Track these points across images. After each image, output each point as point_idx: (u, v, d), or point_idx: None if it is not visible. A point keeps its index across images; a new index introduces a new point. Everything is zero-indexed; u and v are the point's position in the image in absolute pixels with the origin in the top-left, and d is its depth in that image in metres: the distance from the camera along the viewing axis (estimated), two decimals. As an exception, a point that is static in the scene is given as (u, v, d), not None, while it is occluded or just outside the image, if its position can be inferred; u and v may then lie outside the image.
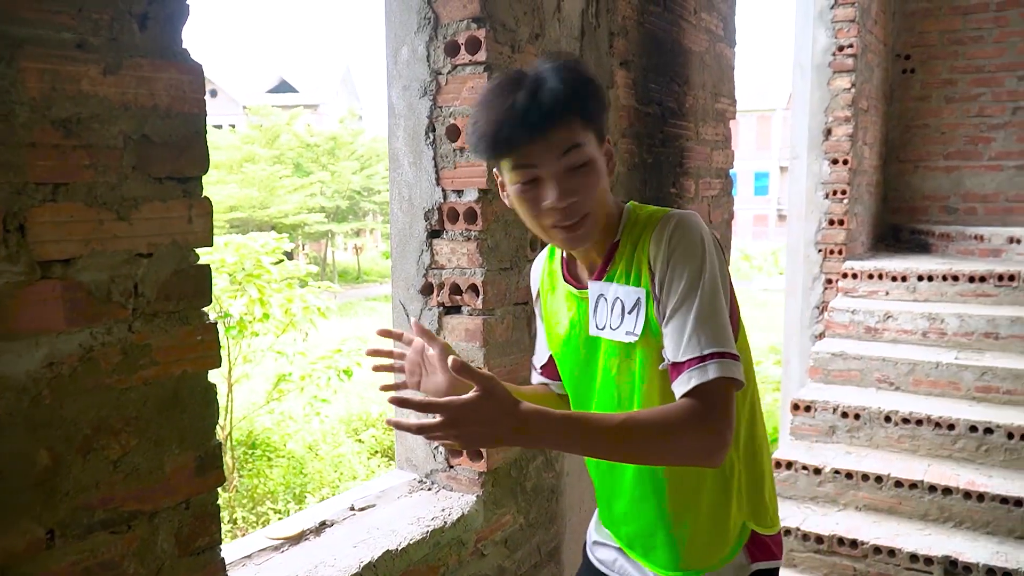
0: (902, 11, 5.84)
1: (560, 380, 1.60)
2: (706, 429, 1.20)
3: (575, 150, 1.25)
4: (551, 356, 1.59)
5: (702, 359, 1.22)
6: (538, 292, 1.58)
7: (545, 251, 1.58)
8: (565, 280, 1.47)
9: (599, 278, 1.38)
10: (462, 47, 1.96)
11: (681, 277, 1.25)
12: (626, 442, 1.19)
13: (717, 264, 1.28)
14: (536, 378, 1.69)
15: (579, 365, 1.47)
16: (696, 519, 1.43)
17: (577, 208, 1.27)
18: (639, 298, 1.32)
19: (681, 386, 1.23)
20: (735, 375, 1.22)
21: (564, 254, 1.49)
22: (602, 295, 1.38)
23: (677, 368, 1.24)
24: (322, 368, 7.37)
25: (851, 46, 4.95)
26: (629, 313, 1.33)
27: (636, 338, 1.32)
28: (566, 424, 1.17)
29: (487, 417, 1.12)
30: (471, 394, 1.12)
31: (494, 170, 1.37)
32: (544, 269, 1.56)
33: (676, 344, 1.25)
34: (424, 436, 1.14)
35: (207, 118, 1.17)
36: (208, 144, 1.17)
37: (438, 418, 1.11)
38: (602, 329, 1.38)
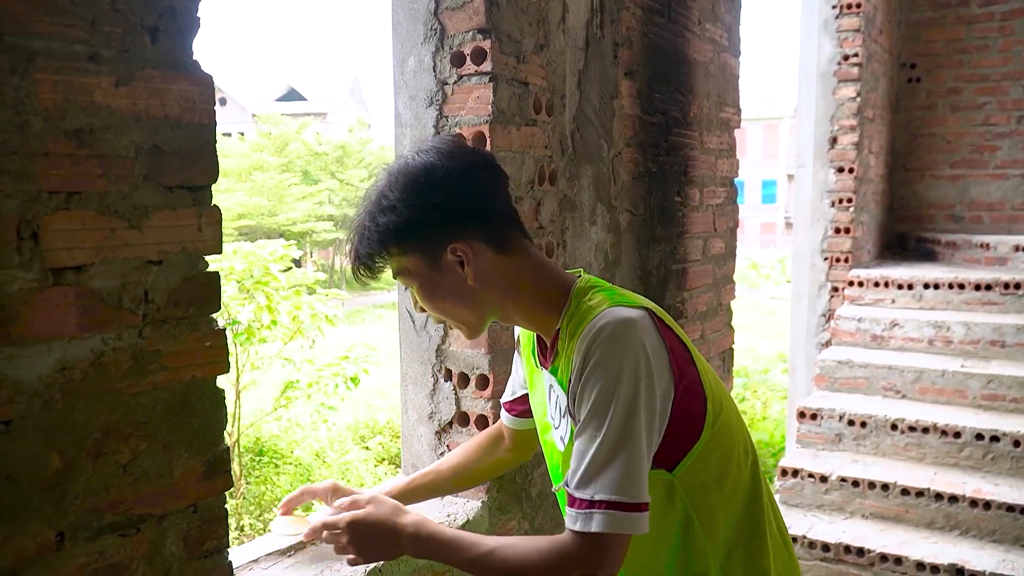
0: (907, 20, 5.85)
1: (524, 417, 1.59)
2: (577, 574, 1.16)
3: (397, 277, 1.33)
4: (524, 394, 1.57)
5: (591, 504, 1.15)
6: (518, 340, 1.57)
7: None
8: (533, 353, 1.45)
9: (547, 367, 1.36)
10: (468, 58, 1.98)
11: (589, 398, 1.17)
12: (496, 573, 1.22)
13: (640, 385, 1.16)
14: (503, 416, 1.65)
15: (543, 442, 1.46)
16: None
17: (431, 315, 1.36)
18: (567, 406, 1.28)
19: (568, 519, 1.18)
20: (623, 529, 1.14)
21: None
22: (551, 386, 1.35)
23: (570, 498, 1.18)
24: (329, 375, 7.39)
25: (856, 55, 4.97)
26: (563, 417, 1.31)
27: (564, 447, 1.32)
28: (443, 544, 1.26)
29: (376, 531, 1.29)
30: (361, 512, 1.30)
31: None
32: None
33: (574, 470, 1.19)
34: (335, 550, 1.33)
35: (216, 127, 1.19)
36: (217, 153, 1.19)
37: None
38: (551, 419, 1.38)
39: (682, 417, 1.23)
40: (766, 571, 1.34)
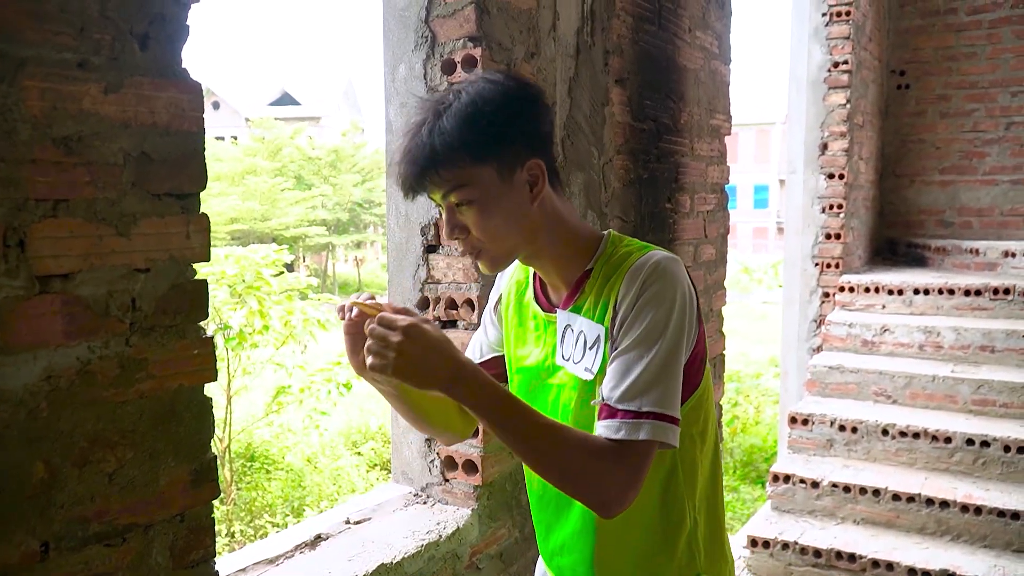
0: (896, 28, 5.88)
1: None
2: (612, 482, 1.18)
3: (459, 190, 1.24)
4: (493, 357, 1.54)
5: (638, 415, 1.19)
6: (500, 299, 1.53)
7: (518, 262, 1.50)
8: (536, 300, 1.43)
9: (566, 307, 1.36)
10: (458, 65, 1.98)
11: (643, 322, 1.22)
12: (538, 448, 1.19)
13: (685, 320, 1.25)
14: None
15: (536, 389, 1.41)
16: (623, 566, 1.39)
17: (469, 242, 1.29)
18: (599, 335, 1.29)
19: (608, 430, 1.20)
20: (666, 438, 1.20)
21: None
22: (569, 325, 1.35)
23: (610, 411, 1.21)
24: (321, 381, 7.37)
25: (846, 62, 4.99)
26: (590, 349, 1.32)
27: (593, 376, 1.30)
28: (499, 398, 1.17)
29: (432, 347, 1.13)
30: (427, 325, 1.15)
31: None
32: (513, 278, 1.50)
33: (615, 385, 1.22)
34: (369, 344, 1.14)
35: (205, 135, 1.19)
36: (206, 161, 1.19)
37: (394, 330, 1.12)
38: (567, 360, 1.36)
39: (692, 362, 1.31)
40: (722, 521, 1.46)
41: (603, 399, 1.23)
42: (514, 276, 1.50)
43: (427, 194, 1.27)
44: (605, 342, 1.28)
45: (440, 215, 2.05)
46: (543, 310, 1.41)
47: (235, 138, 37.35)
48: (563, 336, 1.36)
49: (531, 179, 1.28)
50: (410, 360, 1.12)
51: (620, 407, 1.20)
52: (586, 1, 2.36)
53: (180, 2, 1.13)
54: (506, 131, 1.24)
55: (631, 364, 1.21)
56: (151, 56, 1.11)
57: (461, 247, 1.31)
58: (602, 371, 1.28)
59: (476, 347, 1.58)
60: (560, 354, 1.37)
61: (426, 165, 1.22)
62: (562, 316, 1.36)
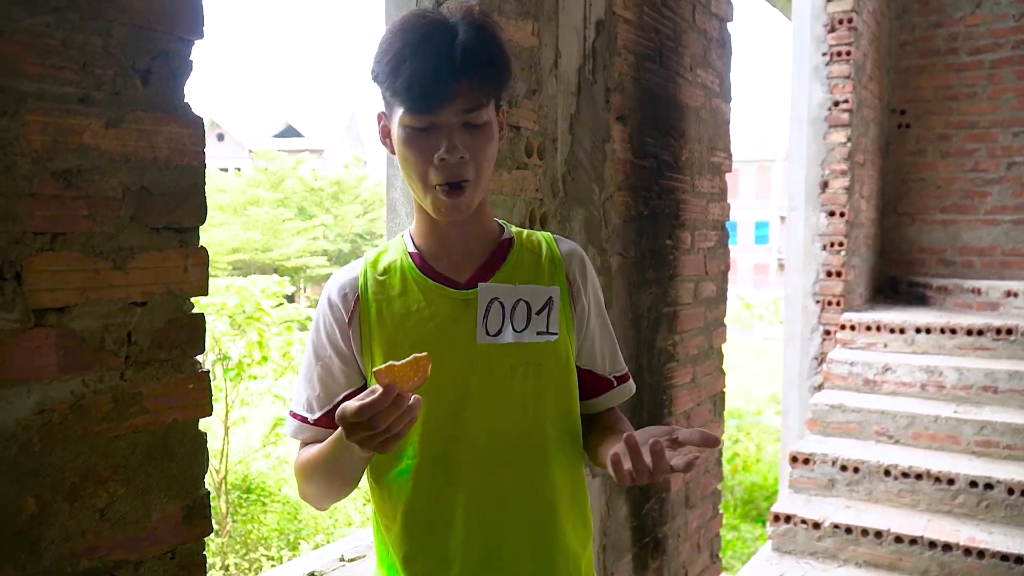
0: (896, 67, 5.94)
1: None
2: None
3: (479, 109, 1.20)
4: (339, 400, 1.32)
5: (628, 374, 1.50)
6: (357, 302, 1.32)
7: (359, 262, 1.37)
8: (437, 281, 1.31)
9: (485, 280, 1.30)
10: (460, 101, 1.99)
11: (600, 302, 1.43)
12: None
13: None
14: (305, 432, 1.36)
15: (456, 378, 1.28)
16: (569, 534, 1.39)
17: (464, 168, 1.20)
18: (551, 296, 1.29)
19: (627, 394, 1.47)
20: None
21: (413, 249, 1.34)
22: (496, 299, 1.28)
23: (620, 378, 1.46)
24: (320, 413, 7.33)
25: (846, 101, 5.03)
26: (538, 313, 1.29)
27: (556, 336, 1.30)
28: None
29: None
30: None
31: (379, 112, 1.30)
32: (366, 278, 1.34)
33: (614, 359, 1.46)
34: None
35: (206, 169, 1.19)
36: (206, 195, 1.19)
37: None
38: (496, 335, 1.27)
39: None
40: None
41: (610, 374, 1.46)
42: (368, 277, 1.34)
43: (444, 105, 1.17)
44: (561, 301, 1.33)
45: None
46: (456, 289, 1.30)
47: (239, 169, 37.57)
48: (487, 312, 1.27)
49: (501, 123, 1.30)
50: None
51: (622, 372, 1.48)
52: (588, 39, 2.38)
53: (183, 39, 1.14)
54: (510, 65, 1.28)
55: (614, 339, 1.47)
56: (153, 91, 1.11)
57: (445, 176, 1.20)
58: (565, 332, 1.34)
59: (336, 376, 1.34)
60: (483, 331, 1.27)
61: (461, 72, 1.17)
62: (485, 290, 1.28)
